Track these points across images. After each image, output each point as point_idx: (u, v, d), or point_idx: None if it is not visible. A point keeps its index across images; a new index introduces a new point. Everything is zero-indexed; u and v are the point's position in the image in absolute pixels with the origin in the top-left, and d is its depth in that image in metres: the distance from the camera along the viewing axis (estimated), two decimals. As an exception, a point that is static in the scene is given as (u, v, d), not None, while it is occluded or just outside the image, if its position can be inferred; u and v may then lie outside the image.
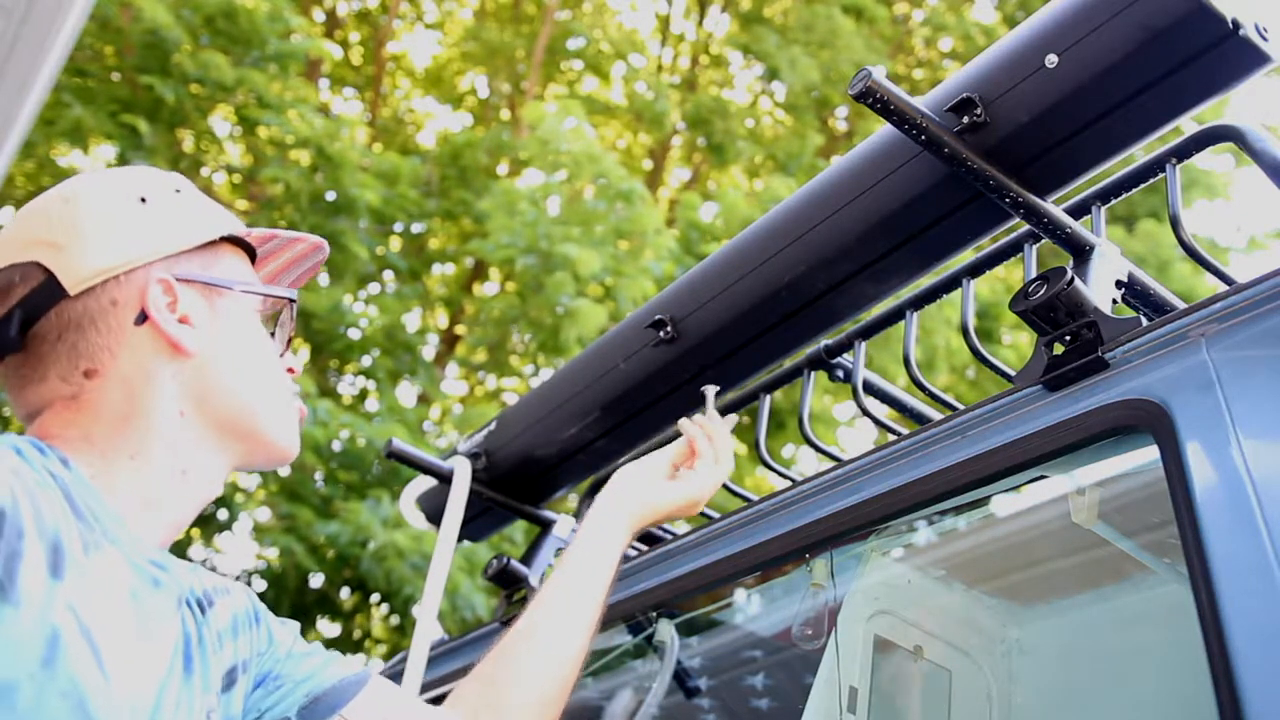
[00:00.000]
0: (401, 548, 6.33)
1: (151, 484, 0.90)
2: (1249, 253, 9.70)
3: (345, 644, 8.09)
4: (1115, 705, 1.34)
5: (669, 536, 1.80)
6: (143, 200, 0.95)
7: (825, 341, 1.69)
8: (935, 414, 1.66)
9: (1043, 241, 1.41)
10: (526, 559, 1.92)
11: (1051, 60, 1.14)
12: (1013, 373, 1.34)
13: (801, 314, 1.47)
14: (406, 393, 8.82)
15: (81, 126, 6.94)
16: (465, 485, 1.78)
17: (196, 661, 0.90)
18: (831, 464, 1.43)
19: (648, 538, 1.87)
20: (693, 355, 1.57)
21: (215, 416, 0.95)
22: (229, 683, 0.95)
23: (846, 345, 1.68)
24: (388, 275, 9.13)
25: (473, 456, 1.85)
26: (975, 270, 1.50)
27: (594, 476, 1.96)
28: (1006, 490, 1.18)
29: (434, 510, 1.97)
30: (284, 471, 6.96)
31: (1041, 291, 1.14)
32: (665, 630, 1.67)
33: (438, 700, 1.15)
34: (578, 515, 2.02)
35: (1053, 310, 1.14)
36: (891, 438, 1.36)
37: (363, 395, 8.98)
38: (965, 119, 1.19)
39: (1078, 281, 1.13)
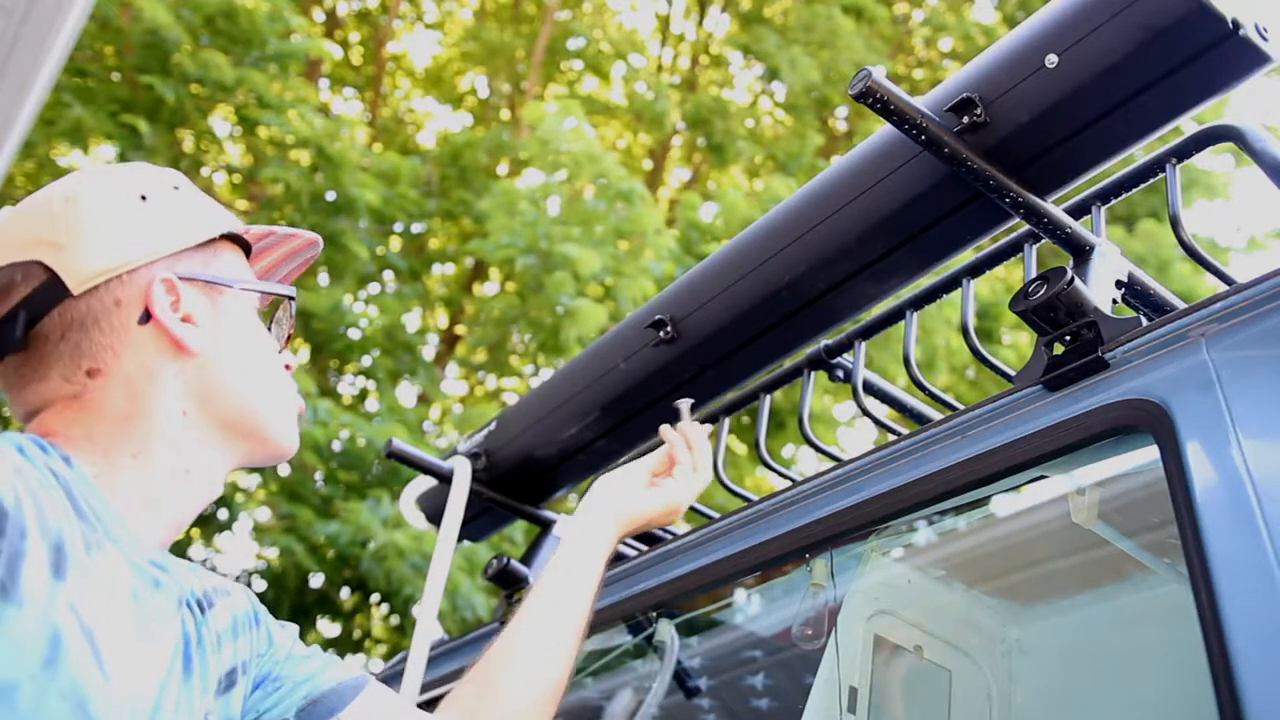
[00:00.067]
0: (401, 548, 6.33)
1: (154, 483, 0.90)
2: (1249, 253, 9.71)
3: (345, 644, 8.09)
4: (1115, 705, 1.34)
5: (669, 536, 1.79)
6: (143, 198, 0.95)
7: (825, 341, 1.69)
8: (935, 414, 1.66)
9: (1043, 241, 1.40)
10: (526, 559, 1.92)
11: (1051, 60, 1.14)
12: (1013, 373, 1.34)
13: (801, 314, 1.47)
14: (406, 393, 8.83)
15: (81, 126, 6.94)
16: (465, 485, 1.78)
17: (196, 662, 0.90)
18: (831, 464, 1.43)
19: (648, 538, 1.87)
20: (693, 355, 1.57)
21: (218, 415, 0.95)
22: (228, 684, 0.95)
23: (846, 345, 1.68)
24: (388, 275, 9.14)
25: (473, 456, 1.85)
26: (975, 270, 1.50)
27: (594, 476, 1.96)
28: (1006, 490, 1.18)
29: (434, 510, 1.97)
30: (284, 471, 6.96)
31: (1041, 291, 1.14)
32: (665, 630, 1.67)
33: (436, 701, 1.15)
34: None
35: (1053, 310, 1.14)
36: (891, 438, 1.36)
37: (363, 395, 8.99)
38: (965, 119, 1.19)
39: (1078, 281, 1.13)
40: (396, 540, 6.32)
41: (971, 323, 1.45)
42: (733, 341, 1.54)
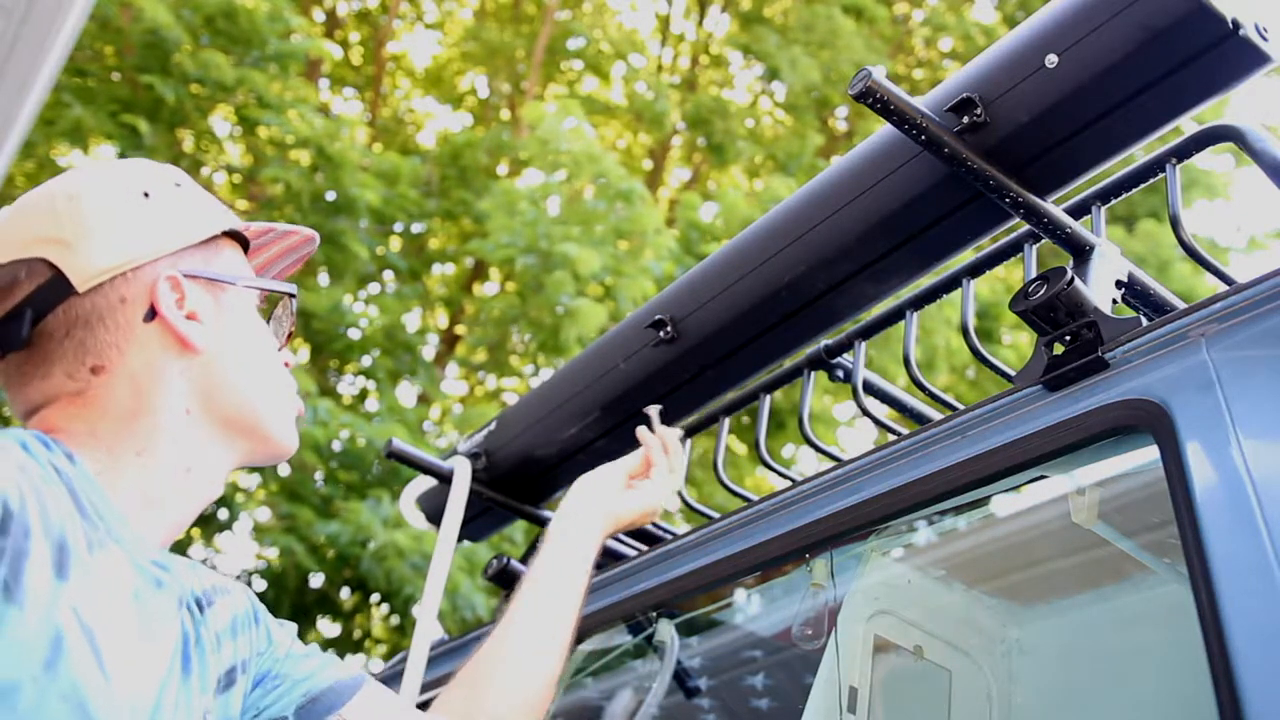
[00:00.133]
0: (402, 548, 6.33)
1: (157, 481, 0.90)
2: (1249, 253, 9.71)
3: (345, 644, 8.09)
4: (1115, 705, 1.34)
5: (669, 536, 1.80)
6: (146, 195, 0.95)
7: (825, 341, 1.69)
8: (935, 414, 1.66)
9: (1043, 241, 1.40)
10: (526, 559, 1.92)
11: (1051, 60, 1.14)
12: (1013, 373, 1.34)
13: (801, 314, 1.47)
14: (406, 393, 8.82)
15: (81, 126, 6.94)
16: (465, 485, 1.78)
17: (195, 662, 0.90)
18: (831, 464, 1.43)
19: (648, 538, 1.88)
20: (693, 355, 1.57)
21: (220, 413, 0.95)
22: (227, 683, 0.95)
23: (846, 345, 1.68)
24: (388, 275, 9.14)
25: (473, 456, 1.85)
26: (975, 270, 1.50)
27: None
28: (1006, 490, 1.18)
29: (434, 510, 1.97)
30: (284, 471, 6.96)
31: (1041, 291, 1.14)
32: (665, 630, 1.67)
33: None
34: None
35: (1053, 310, 1.14)
36: (891, 438, 1.36)
37: (363, 395, 8.98)
38: (965, 119, 1.19)
39: (1078, 281, 1.13)
40: (396, 540, 6.32)
41: (971, 323, 1.45)
42: (733, 341, 1.54)
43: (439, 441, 8.32)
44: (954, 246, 1.37)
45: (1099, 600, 1.43)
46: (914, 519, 1.30)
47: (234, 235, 1.02)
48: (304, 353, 8.01)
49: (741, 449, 8.08)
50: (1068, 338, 1.13)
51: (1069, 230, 1.26)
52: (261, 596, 6.86)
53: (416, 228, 9.35)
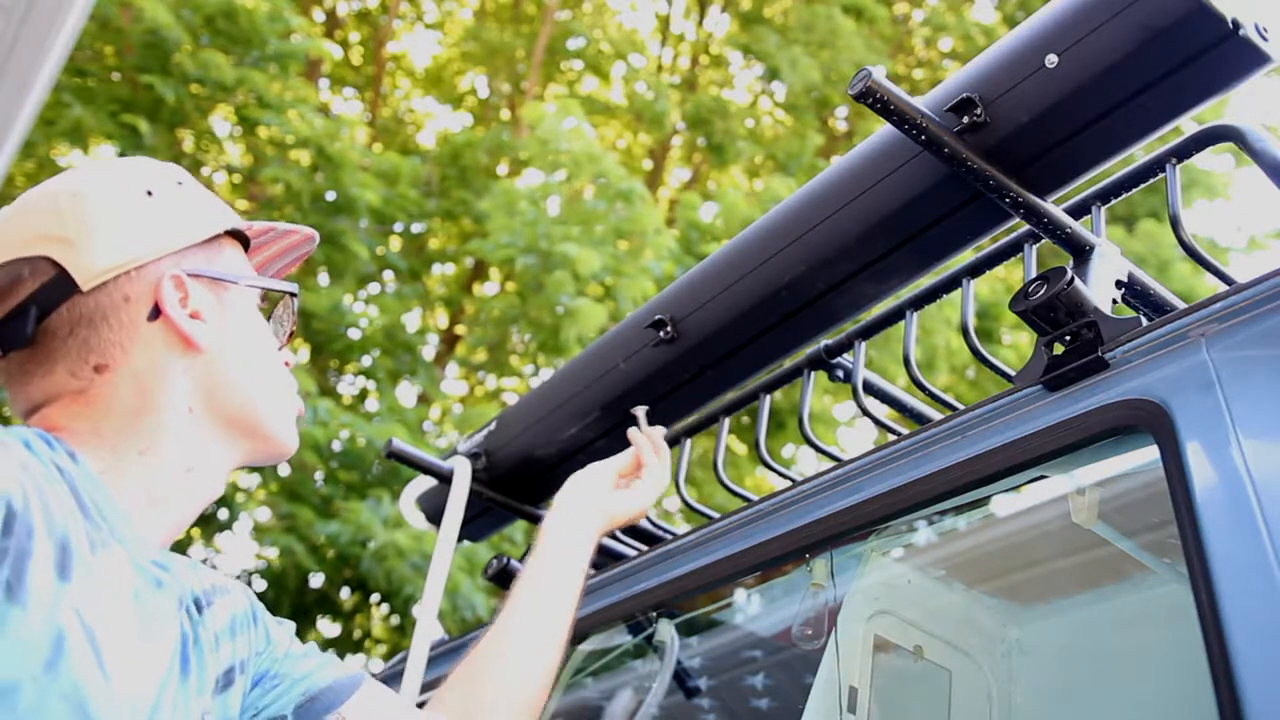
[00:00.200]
0: (402, 547, 6.33)
1: (159, 481, 0.90)
2: (1249, 253, 9.71)
3: (345, 644, 8.09)
4: (1115, 705, 1.34)
5: (669, 536, 1.80)
6: (149, 194, 0.95)
7: (825, 341, 1.69)
8: (935, 414, 1.66)
9: (1043, 241, 1.40)
10: (526, 559, 1.92)
11: (1051, 60, 1.14)
12: (1013, 373, 1.34)
13: (801, 314, 1.47)
14: (406, 393, 8.83)
15: (81, 126, 6.94)
16: (465, 485, 1.78)
17: (193, 663, 0.89)
18: (831, 464, 1.43)
19: (648, 537, 1.88)
20: (693, 355, 1.57)
21: (222, 412, 0.95)
22: (226, 683, 0.95)
23: (846, 345, 1.68)
24: (388, 275, 9.14)
25: (473, 456, 1.85)
26: (975, 270, 1.50)
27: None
28: (1006, 490, 1.18)
29: (434, 510, 1.97)
30: (284, 471, 6.96)
31: (1041, 291, 1.14)
32: (665, 630, 1.67)
33: (436, 701, 1.16)
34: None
35: (1053, 310, 1.14)
36: (891, 438, 1.36)
37: (363, 395, 8.98)
38: (965, 119, 1.19)
39: (1078, 281, 1.13)
40: (397, 540, 6.32)
41: (971, 323, 1.45)
42: (733, 341, 1.54)
43: (439, 441, 8.32)
44: (954, 246, 1.37)
45: (1099, 600, 1.43)
46: (914, 519, 1.30)
47: (235, 234, 1.02)
48: (304, 353, 8.01)
49: (741, 449, 8.08)
50: (1068, 338, 1.13)
51: (1069, 230, 1.26)
52: (261, 596, 6.86)
53: (416, 228, 9.35)
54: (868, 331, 1.64)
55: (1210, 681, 0.77)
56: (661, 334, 1.57)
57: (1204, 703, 0.78)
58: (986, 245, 1.49)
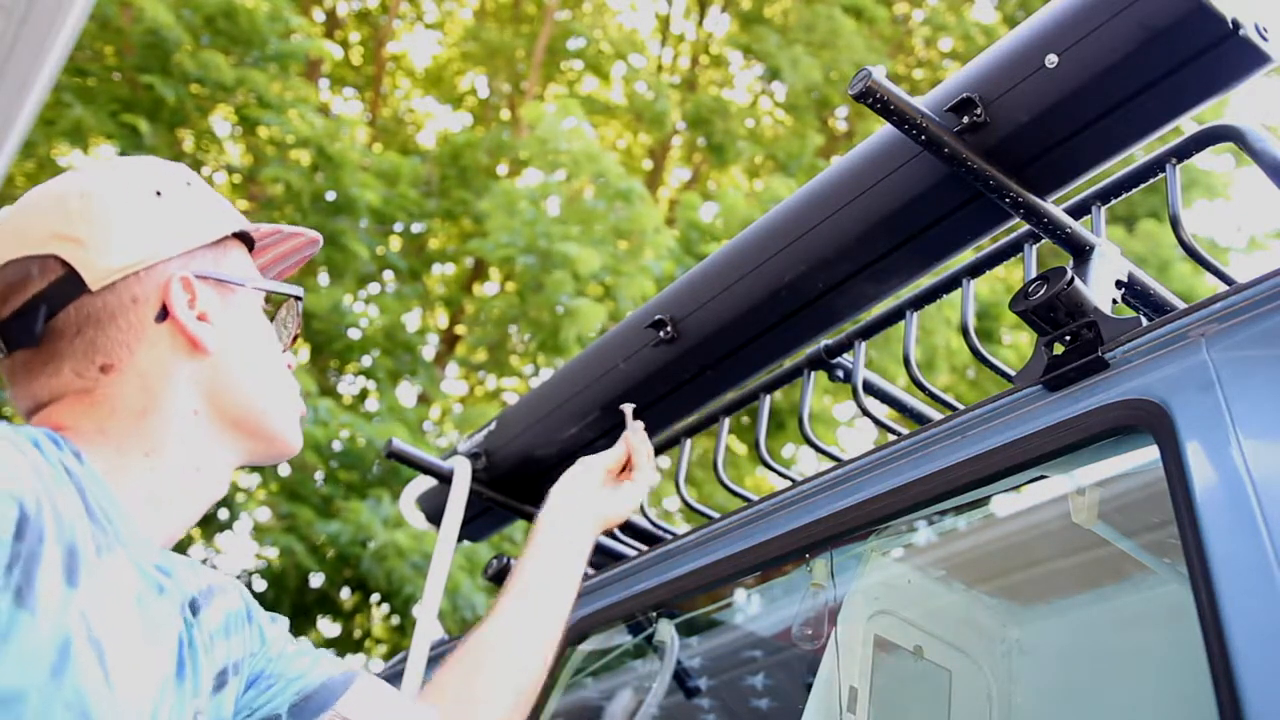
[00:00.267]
0: (402, 547, 6.33)
1: (163, 481, 0.90)
2: (1249, 253, 9.70)
3: (345, 644, 8.09)
4: (1115, 705, 1.34)
5: (669, 536, 1.80)
6: (158, 194, 0.95)
7: (825, 341, 1.69)
8: (935, 414, 1.66)
9: (1043, 241, 1.40)
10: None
11: (1051, 60, 1.14)
12: (1013, 373, 1.34)
13: (801, 314, 1.47)
14: (406, 393, 8.82)
15: (81, 126, 6.94)
16: (465, 485, 1.78)
17: (188, 665, 0.89)
18: (831, 464, 1.43)
19: (648, 538, 1.88)
20: (693, 355, 1.57)
21: (227, 413, 0.95)
22: (219, 684, 0.95)
23: (846, 345, 1.68)
24: (388, 275, 9.14)
25: (473, 456, 1.85)
26: (975, 270, 1.50)
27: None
28: (1006, 490, 1.18)
29: (434, 510, 1.97)
30: (284, 471, 6.96)
31: (1041, 291, 1.14)
32: (665, 630, 1.67)
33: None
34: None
35: (1053, 310, 1.14)
36: (891, 438, 1.36)
37: (363, 395, 8.99)
38: (965, 119, 1.19)
39: (1078, 281, 1.13)
40: (397, 540, 6.32)
41: (971, 323, 1.45)
42: (733, 341, 1.54)
43: (439, 441, 8.32)
44: (954, 246, 1.37)
45: (1099, 600, 1.43)
46: (914, 519, 1.30)
47: (241, 235, 1.03)
48: (304, 353, 8.01)
49: (741, 449, 8.08)
50: (1068, 338, 1.13)
51: (1069, 230, 1.26)
52: (261, 596, 6.88)
53: (416, 228, 9.35)
54: (868, 331, 1.64)
55: (1210, 681, 0.77)
56: (661, 334, 1.57)
57: (1204, 703, 0.78)
58: (986, 245, 1.49)
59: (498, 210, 7.69)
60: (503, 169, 9.88)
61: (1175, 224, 1.29)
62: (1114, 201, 1.39)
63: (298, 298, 1.06)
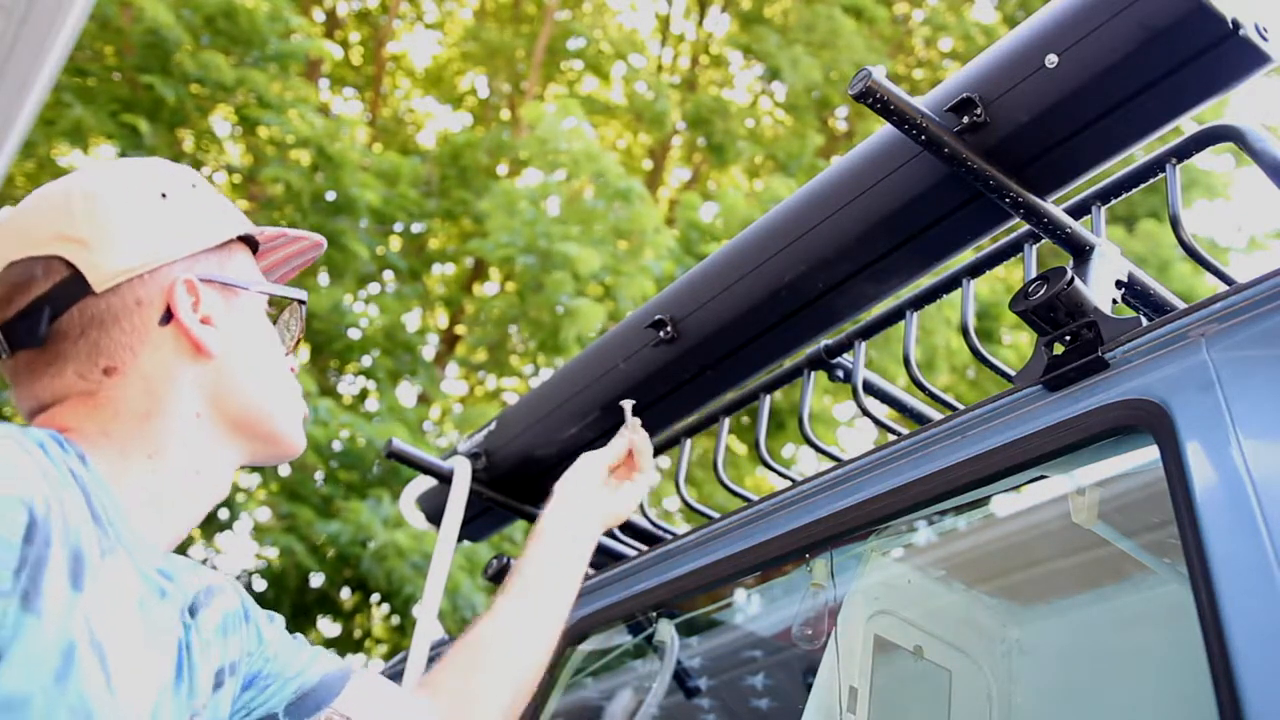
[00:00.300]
0: (402, 547, 6.33)
1: (166, 484, 0.90)
2: (1249, 253, 9.70)
3: (345, 644, 8.09)
4: (1115, 705, 1.34)
5: (669, 536, 1.80)
6: (163, 196, 0.95)
7: (825, 341, 1.69)
8: (935, 414, 1.66)
9: (1043, 241, 1.40)
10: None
11: (1051, 60, 1.14)
12: (1013, 373, 1.34)
13: (801, 314, 1.47)
14: (406, 393, 8.83)
15: (81, 126, 6.94)
16: (465, 485, 1.78)
17: (186, 669, 0.89)
18: (831, 464, 1.43)
19: (648, 538, 1.87)
20: (693, 355, 1.57)
21: (230, 416, 0.95)
22: (216, 684, 0.95)
23: (846, 345, 1.68)
24: (388, 275, 9.14)
25: (473, 456, 1.85)
26: (975, 270, 1.50)
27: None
28: (1006, 490, 1.18)
29: (434, 510, 1.96)
30: (284, 471, 6.96)
31: (1041, 291, 1.14)
32: (665, 630, 1.67)
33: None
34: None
35: (1053, 310, 1.14)
36: (891, 438, 1.36)
37: (363, 395, 8.99)
38: (965, 119, 1.18)
39: (1078, 281, 1.13)
40: (397, 540, 6.32)
41: (971, 323, 1.45)
42: (733, 341, 1.54)
43: (439, 441, 8.32)
44: (954, 246, 1.37)
45: (1099, 600, 1.43)
46: (914, 519, 1.30)
47: (245, 238, 1.02)
48: (304, 353, 8.01)
49: (741, 449, 8.08)
50: (1068, 338, 1.13)
51: (1069, 230, 1.26)
52: (261, 596, 6.88)
53: (416, 228, 9.35)
54: (868, 331, 1.64)
55: (1210, 681, 0.77)
56: (661, 334, 1.57)
57: (1204, 703, 0.78)
58: (986, 245, 1.49)
59: (498, 210, 7.69)
60: (503, 169, 9.88)
61: (1175, 224, 1.29)
62: (1114, 201, 1.39)
63: (301, 301, 1.06)
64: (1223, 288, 1.09)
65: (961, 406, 1.34)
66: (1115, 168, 1.33)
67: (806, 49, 9.75)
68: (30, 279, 0.89)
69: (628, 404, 1.54)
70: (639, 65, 11.33)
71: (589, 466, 1.42)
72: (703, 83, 11.62)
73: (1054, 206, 1.27)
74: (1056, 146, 1.19)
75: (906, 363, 1.52)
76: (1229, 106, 7.36)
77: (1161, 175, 1.33)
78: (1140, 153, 1.30)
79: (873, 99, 1.16)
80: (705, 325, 1.54)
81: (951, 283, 1.53)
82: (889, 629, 1.39)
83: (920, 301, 1.58)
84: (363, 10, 11.47)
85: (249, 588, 7.13)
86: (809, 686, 1.35)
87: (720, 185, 10.68)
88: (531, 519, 1.95)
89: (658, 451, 1.80)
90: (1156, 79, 1.11)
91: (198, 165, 8.22)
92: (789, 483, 1.49)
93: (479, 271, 10.04)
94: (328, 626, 8.09)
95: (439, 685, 1.15)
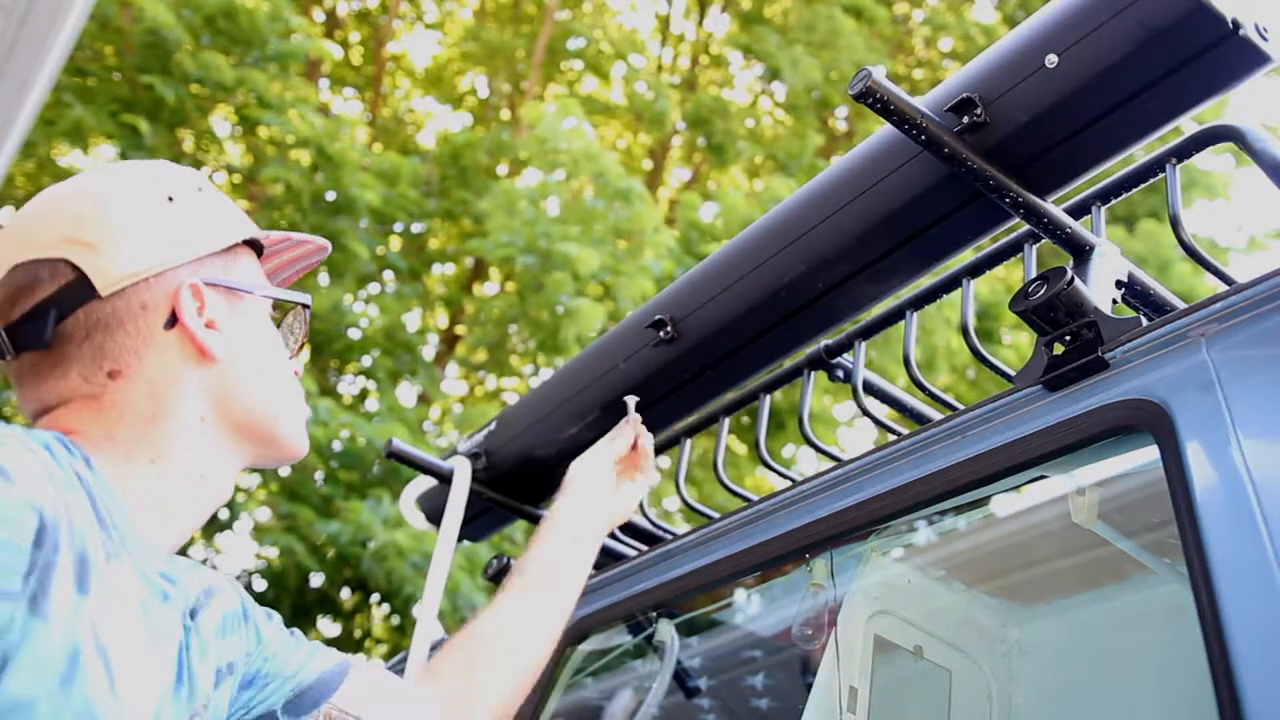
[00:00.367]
0: (402, 547, 6.34)
1: (170, 488, 0.90)
2: (1249, 253, 9.70)
3: (345, 644, 8.09)
4: (1115, 705, 1.34)
5: (669, 536, 1.80)
6: (170, 200, 0.95)
7: (825, 341, 1.69)
8: (935, 414, 1.66)
9: (1043, 241, 1.40)
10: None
11: (1051, 60, 1.14)
12: (1013, 373, 1.34)
13: (801, 314, 1.47)
14: (406, 393, 8.83)
15: (81, 126, 6.94)
16: (465, 485, 1.78)
17: (185, 674, 0.89)
18: (831, 464, 1.43)
19: (648, 538, 1.87)
20: (693, 355, 1.57)
21: (233, 420, 0.95)
22: (215, 684, 0.95)
23: (846, 345, 1.68)
24: (388, 275, 9.14)
25: (473, 456, 1.85)
26: (975, 270, 1.50)
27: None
28: (1006, 490, 1.18)
29: (434, 510, 1.96)
30: (284, 471, 6.96)
31: (1041, 291, 1.14)
32: (665, 630, 1.67)
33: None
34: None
35: (1053, 310, 1.14)
36: (891, 438, 1.36)
37: (363, 395, 8.99)
38: (965, 119, 1.19)
39: (1078, 281, 1.13)
40: (397, 540, 6.32)
41: (971, 323, 1.45)
42: (733, 341, 1.54)
43: (439, 441, 8.32)
44: (954, 246, 1.37)
45: (1099, 600, 1.43)
46: (914, 519, 1.30)
47: (250, 241, 1.02)
48: (304, 353, 8.00)
49: (741, 449, 8.08)
50: (1068, 338, 1.13)
51: (1069, 230, 1.26)
52: (261, 596, 6.88)
53: (416, 228, 9.35)
54: (868, 331, 1.64)
55: (1210, 681, 0.77)
56: (661, 334, 1.57)
57: (1204, 703, 0.78)
58: (986, 245, 1.49)
59: (498, 210, 7.69)
60: (503, 169, 9.88)
61: (1175, 224, 1.29)
62: (1114, 201, 1.39)
63: (305, 306, 1.06)
64: (1223, 288, 1.09)
65: (961, 406, 1.34)
66: (1115, 168, 1.33)
67: (806, 49, 9.75)
68: (36, 281, 0.89)
69: (631, 400, 1.54)
70: (639, 65, 11.33)
71: (599, 462, 1.42)
72: (703, 83, 11.62)
73: (1054, 206, 1.27)
74: (1056, 146, 1.19)
75: (906, 363, 1.52)
76: (1229, 106, 7.36)
77: (1161, 175, 1.33)
78: (1140, 153, 1.30)
79: (873, 99, 1.16)
80: (705, 325, 1.54)
81: (951, 283, 1.53)
82: (889, 629, 1.39)
83: (920, 301, 1.58)
84: (363, 10, 11.47)
85: (249, 588, 7.14)
86: (809, 686, 1.35)
87: (720, 185, 10.68)
88: (532, 519, 1.95)
89: (658, 451, 1.80)
90: (1156, 79, 1.11)
91: (198, 165, 8.23)
92: (789, 483, 1.49)
93: (479, 271, 10.04)
94: (328, 626, 8.09)
95: (439, 675, 1.17)
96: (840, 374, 1.72)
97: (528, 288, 7.63)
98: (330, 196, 7.80)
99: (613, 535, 1.88)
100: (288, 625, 1.10)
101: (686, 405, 1.69)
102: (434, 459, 1.89)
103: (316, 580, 7.35)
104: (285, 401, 1.00)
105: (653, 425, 1.72)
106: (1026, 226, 1.33)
